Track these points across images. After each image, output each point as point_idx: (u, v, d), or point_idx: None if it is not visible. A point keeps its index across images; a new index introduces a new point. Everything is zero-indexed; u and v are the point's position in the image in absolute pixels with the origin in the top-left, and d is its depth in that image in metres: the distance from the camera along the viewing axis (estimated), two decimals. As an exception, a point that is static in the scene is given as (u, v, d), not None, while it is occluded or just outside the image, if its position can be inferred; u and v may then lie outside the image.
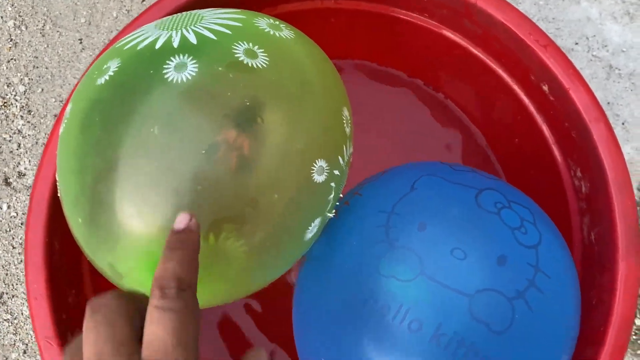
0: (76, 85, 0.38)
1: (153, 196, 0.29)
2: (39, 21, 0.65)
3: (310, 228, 0.34)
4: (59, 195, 0.33)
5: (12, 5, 0.65)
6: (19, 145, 0.62)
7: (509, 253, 0.32)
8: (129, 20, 0.65)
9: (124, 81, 0.30)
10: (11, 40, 0.65)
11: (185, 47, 0.31)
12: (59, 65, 0.64)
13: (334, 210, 0.37)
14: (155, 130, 0.29)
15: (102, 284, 0.44)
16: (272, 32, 0.34)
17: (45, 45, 0.65)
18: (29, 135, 0.63)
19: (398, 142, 0.55)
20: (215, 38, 0.31)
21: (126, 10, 0.65)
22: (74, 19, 0.65)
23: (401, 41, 0.51)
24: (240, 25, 0.33)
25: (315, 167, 0.32)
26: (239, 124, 0.30)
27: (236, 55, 0.31)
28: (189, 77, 0.29)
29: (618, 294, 0.39)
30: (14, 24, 0.65)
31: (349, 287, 0.34)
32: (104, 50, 0.41)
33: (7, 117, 0.63)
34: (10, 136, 0.62)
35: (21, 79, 0.64)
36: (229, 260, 0.31)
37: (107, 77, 0.31)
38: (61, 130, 0.33)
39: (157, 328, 0.22)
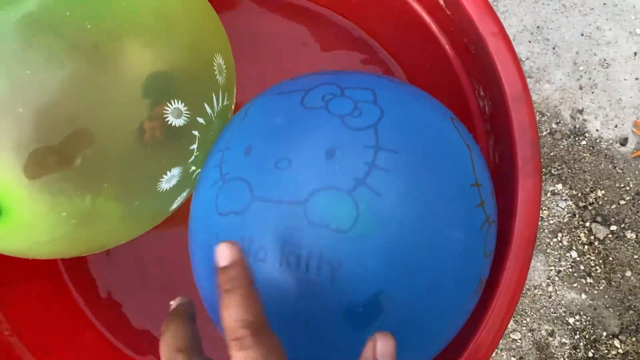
0: None
1: None
2: None
3: (165, 177, 0.31)
4: None
5: None
6: None
7: (337, 143, 0.28)
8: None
9: None
10: None
11: None
12: None
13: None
14: None
15: None
16: None
17: None
18: None
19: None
20: None
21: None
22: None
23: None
24: None
25: (169, 108, 0.30)
26: (84, 53, 0.27)
27: None
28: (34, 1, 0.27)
29: (518, 215, 0.37)
30: None
31: (200, 233, 0.32)
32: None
33: None
34: None
35: None
36: (59, 214, 0.29)
37: None
38: None
39: None
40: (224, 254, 0.25)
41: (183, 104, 0.30)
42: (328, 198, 0.27)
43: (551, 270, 0.57)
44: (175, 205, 0.35)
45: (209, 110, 0.32)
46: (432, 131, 0.30)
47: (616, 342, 0.56)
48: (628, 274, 0.56)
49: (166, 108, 0.29)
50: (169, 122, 0.30)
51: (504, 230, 0.38)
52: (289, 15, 0.52)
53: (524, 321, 0.57)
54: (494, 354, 0.58)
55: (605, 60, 0.58)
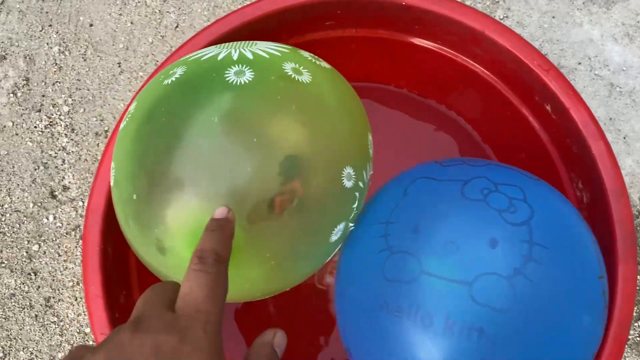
0: (140, 88, 0.43)
1: (210, 176, 0.33)
2: (81, 47, 0.71)
3: (335, 230, 0.37)
4: (110, 181, 0.37)
5: (57, 32, 0.71)
6: (63, 161, 0.68)
7: (499, 235, 0.34)
8: (164, 45, 0.70)
9: (190, 80, 0.35)
10: (56, 64, 0.70)
11: (243, 60, 0.36)
12: (99, 87, 0.70)
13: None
14: (215, 119, 0.33)
15: (147, 285, 0.48)
16: (313, 60, 0.39)
17: (87, 69, 0.70)
18: (72, 151, 0.68)
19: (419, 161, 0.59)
20: (267, 57, 0.37)
21: (161, 36, 0.71)
22: (113, 45, 0.71)
23: (416, 65, 0.56)
24: (288, 51, 0.39)
25: (344, 172, 0.36)
26: (286, 124, 0.34)
27: (285, 70, 0.36)
28: (247, 81, 0.35)
29: (617, 298, 0.43)
30: (59, 49, 0.71)
31: (362, 294, 0.37)
32: (155, 72, 0.46)
33: (53, 135, 0.68)
34: (55, 153, 0.68)
35: (65, 100, 0.69)
36: (263, 255, 0.35)
37: (173, 79, 0.36)
38: (123, 125, 0.38)
39: (192, 283, 0.27)
40: (220, 212, 0.31)
41: (352, 170, 0.37)
42: (492, 282, 0.33)
43: (621, 338, 0.63)
44: (330, 257, 0.41)
45: (365, 176, 0.39)
46: (570, 228, 0.37)
47: (681, 409, 0.61)
48: (693, 346, 0.62)
49: (343, 172, 0.36)
50: (344, 184, 0.36)
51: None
52: (407, 106, 0.60)
53: (596, 384, 0.62)
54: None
55: (671, 150, 0.65)
